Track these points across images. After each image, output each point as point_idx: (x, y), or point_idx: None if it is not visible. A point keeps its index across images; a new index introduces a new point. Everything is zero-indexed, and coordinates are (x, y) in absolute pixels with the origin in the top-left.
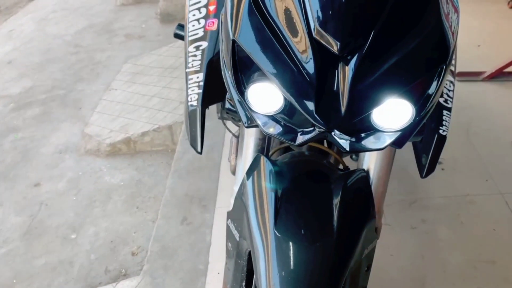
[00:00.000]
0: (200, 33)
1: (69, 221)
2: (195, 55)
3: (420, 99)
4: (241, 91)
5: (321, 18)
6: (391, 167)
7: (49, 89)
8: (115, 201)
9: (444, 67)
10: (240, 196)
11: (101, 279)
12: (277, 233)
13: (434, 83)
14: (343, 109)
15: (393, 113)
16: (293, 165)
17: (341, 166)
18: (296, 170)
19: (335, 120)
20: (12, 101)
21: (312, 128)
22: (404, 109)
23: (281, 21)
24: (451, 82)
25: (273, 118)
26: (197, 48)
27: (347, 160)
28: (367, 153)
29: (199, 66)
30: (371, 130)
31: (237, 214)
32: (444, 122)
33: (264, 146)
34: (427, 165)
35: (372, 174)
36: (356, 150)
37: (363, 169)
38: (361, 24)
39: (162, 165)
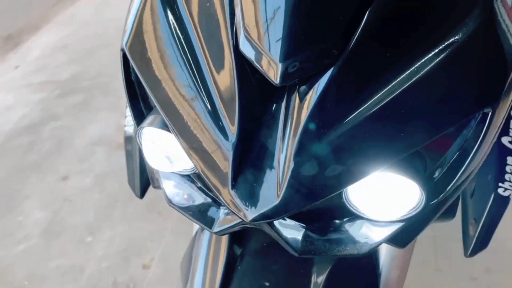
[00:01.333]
0: None
1: (88, 222)
2: None
3: (435, 175)
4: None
5: (253, 21)
6: (413, 242)
7: (94, 76)
8: (137, 203)
9: (490, 113)
10: (190, 258)
11: None
12: None
13: (468, 144)
14: (279, 189)
15: (385, 194)
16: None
17: None
18: (268, 237)
19: (264, 206)
20: (58, 87)
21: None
22: (404, 192)
23: (195, 26)
24: None
25: (188, 178)
26: None
27: None
28: None
29: None
30: (349, 216)
31: (186, 267)
32: (508, 176)
33: None
34: (475, 238)
35: (382, 251)
36: (315, 253)
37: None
38: (327, 29)
39: None
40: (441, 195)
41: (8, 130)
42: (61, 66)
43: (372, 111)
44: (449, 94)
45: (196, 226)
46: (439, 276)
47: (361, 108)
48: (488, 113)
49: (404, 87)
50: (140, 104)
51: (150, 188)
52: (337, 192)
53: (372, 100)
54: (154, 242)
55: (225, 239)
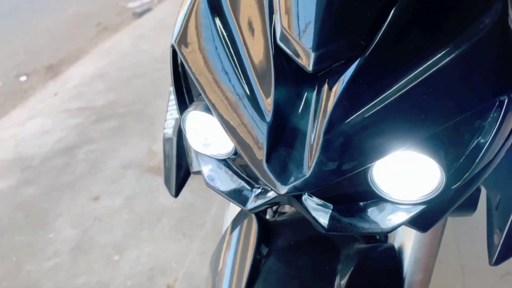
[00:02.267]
0: None
1: (116, 241)
2: None
3: (456, 158)
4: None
5: (290, 15)
6: (438, 244)
7: (129, 103)
8: (163, 224)
9: (506, 100)
10: (219, 257)
11: None
12: None
13: (488, 129)
14: (309, 163)
15: (408, 175)
16: (292, 227)
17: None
18: (294, 235)
19: (296, 180)
20: (94, 113)
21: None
22: (425, 172)
23: (237, 21)
24: None
25: (224, 163)
26: None
27: None
28: None
29: None
30: (373, 198)
31: (215, 265)
32: None
33: None
34: (499, 247)
35: (407, 252)
36: (341, 230)
37: (392, 246)
38: (356, 22)
39: None
40: (462, 180)
41: (45, 152)
42: (97, 94)
43: (396, 96)
44: (467, 82)
45: (225, 225)
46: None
47: (385, 94)
48: (504, 101)
49: (425, 75)
50: (184, 96)
51: (177, 210)
52: (362, 168)
53: (395, 87)
54: (179, 263)
55: (253, 238)
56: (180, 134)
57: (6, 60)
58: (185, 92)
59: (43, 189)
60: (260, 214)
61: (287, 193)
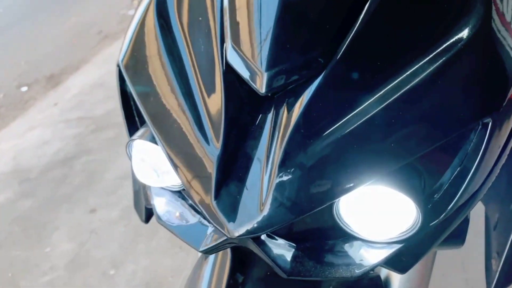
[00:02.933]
0: None
1: (112, 255)
2: None
3: (435, 192)
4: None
5: (239, 32)
6: (429, 273)
7: None
8: (160, 237)
9: (490, 123)
10: (194, 280)
11: None
12: None
13: (468, 158)
14: (264, 201)
15: (378, 212)
16: None
17: None
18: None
19: (248, 220)
20: (93, 122)
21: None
22: (399, 208)
23: (186, 40)
24: None
25: (179, 195)
26: None
27: None
28: None
29: None
30: (342, 236)
31: None
32: None
33: None
34: (497, 274)
35: (394, 284)
36: (305, 275)
37: (378, 275)
38: (314, 36)
39: None
40: (441, 216)
41: (44, 164)
42: (97, 103)
43: (362, 120)
44: (443, 103)
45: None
46: None
47: (350, 118)
48: (488, 124)
49: (395, 96)
50: (135, 118)
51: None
52: (324, 206)
53: (361, 109)
54: (175, 277)
55: (227, 266)
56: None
57: (8, 71)
58: (135, 114)
59: (41, 201)
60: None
61: (239, 236)
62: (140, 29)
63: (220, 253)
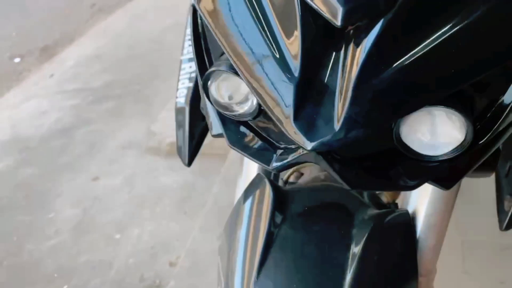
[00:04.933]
0: None
1: (117, 220)
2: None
3: (482, 115)
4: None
5: None
6: (450, 211)
7: (126, 84)
8: (165, 204)
9: None
10: (231, 226)
11: (135, 287)
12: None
13: (510, 87)
14: (339, 118)
15: (434, 131)
16: (305, 193)
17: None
18: (308, 200)
19: (325, 136)
20: (91, 94)
21: (295, 147)
22: (454, 127)
23: None
24: None
25: (246, 125)
26: None
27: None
28: None
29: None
30: (398, 157)
31: (225, 251)
32: None
33: None
34: (510, 214)
35: (420, 218)
36: (366, 187)
37: (406, 211)
38: None
39: (218, 170)
40: (488, 135)
41: (42, 133)
42: (94, 75)
43: (423, 52)
44: (490, 39)
45: (238, 194)
46: (466, 279)
47: (412, 50)
48: None
49: (451, 32)
50: (204, 58)
51: (179, 190)
52: (391, 122)
53: (422, 43)
54: (181, 241)
55: (266, 205)
56: (192, 102)
57: None
58: (205, 54)
59: (42, 169)
60: (273, 181)
61: (314, 149)
62: None
63: (258, 194)
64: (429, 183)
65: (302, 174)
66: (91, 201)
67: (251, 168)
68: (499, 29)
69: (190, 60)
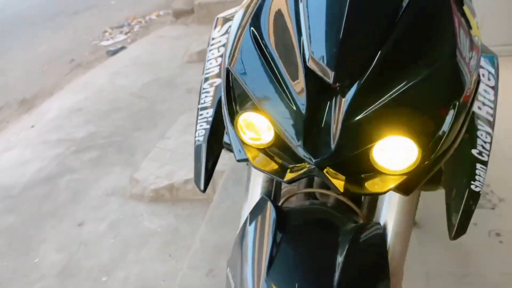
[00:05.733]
0: (216, 70)
1: (103, 264)
2: (208, 92)
3: (428, 141)
4: (233, 121)
5: (315, 46)
6: (412, 222)
7: (108, 135)
8: (150, 247)
9: (457, 104)
10: (240, 241)
11: None
12: (268, 284)
13: (446, 123)
14: (333, 143)
15: (395, 153)
16: (300, 213)
17: (361, 221)
18: (302, 218)
19: (324, 155)
20: (74, 144)
21: (302, 165)
22: (408, 150)
23: (276, 50)
24: (488, 133)
25: (264, 152)
26: (211, 84)
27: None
28: (384, 205)
29: (210, 102)
30: (372, 171)
31: (235, 262)
32: (477, 177)
33: (272, 189)
34: (456, 225)
35: (389, 229)
36: (351, 192)
37: (378, 223)
38: (361, 52)
39: (201, 214)
40: (432, 155)
41: (25, 182)
42: (76, 126)
43: (387, 101)
44: (433, 91)
45: (243, 217)
46: None
47: (379, 100)
48: (456, 104)
49: (404, 88)
50: (232, 103)
51: (163, 234)
52: (367, 146)
53: (386, 95)
54: (167, 281)
55: (268, 223)
56: (209, 141)
57: None
58: (233, 101)
59: (25, 217)
60: (275, 204)
61: (318, 163)
62: (238, 40)
63: (262, 214)
64: (394, 191)
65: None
66: (77, 246)
67: (255, 193)
68: (436, 85)
69: (206, 108)
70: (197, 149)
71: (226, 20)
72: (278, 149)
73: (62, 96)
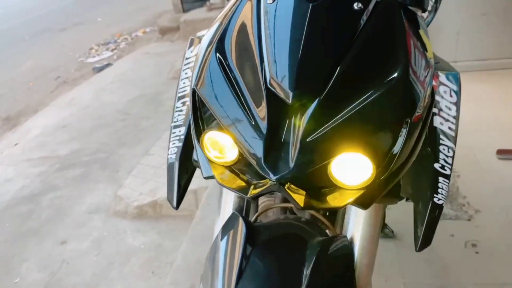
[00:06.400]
0: (188, 89)
1: (85, 281)
2: (180, 110)
3: (383, 157)
4: (199, 139)
5: (275, 67)
6: (378, 235)
7: (93, 152)
8: (133, 264)
9: (409, 121)
10: (212, 256)
11: None
12: None
13: (399, 139)
14: (292, 160)
15: (352, 169)
16: (270, 228)
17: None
18: (272, 233)
19: (283, 172)
20: (58, 161)
21: (265, 181)
22: (363, 166)
23: (240, 72)
24: (450, 147)
25: (230, 169)
26: (183, 103)
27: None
28: (351, 219)
29: (183, 120)
30: (332, 186)
31: (207, 277)
32: (440, 190)
33: (243, 204)
34: (421, 237)
35: (356, 242)
36: (312, 207)
37: (345, 236)
38: (317, 72)
39: (184, 231)
40: (386, 172)
41: (8, 200)
42: (60, 144)
43: (342, 119)
44: (385, 110)
45: (216, 232)
46: None
47: (335, 118)
48: (408, 121)
49: (359, 107)
50: (199, 123)
51: (146, 250)
52: (324, 162)
53: (342, 113)
54: None
55: (239, 238)
56: (181, 159)
57: None
58: (200, 120)
59: (7, 236)
60: (245, 218)
61: (278, 179)
62: (204, 62)
63: (233, 229)
64: (352, 204)
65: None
66: (59, 264)
67: (227, 209)
68: (389, 103)
69: (178, 126)
70: (170, 166)
71: (201, 40)
72: (243, 166)
73: (47, 113)
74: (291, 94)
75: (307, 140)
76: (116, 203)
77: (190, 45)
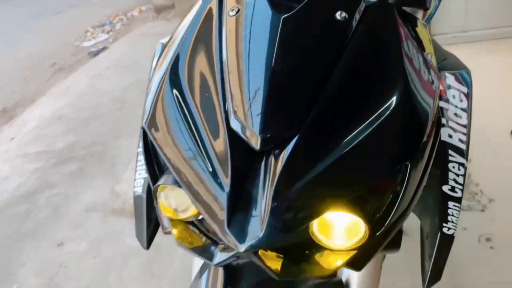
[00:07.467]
0: None
1: (83, 286)
2: None
3: (376, 212)
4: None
5: (239, 105)
6: (378, 278)
7: (89, 145)
8: (131, 266)
9: (409, 165)
10: (196, 282)
11: None
12: None
13: (398, 189)
14: (262, 225)
15: (340, 227)
16: (253, 270)
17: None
18: (257, 276)
19: (253, 240)
20: (54, 156)
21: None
22: (354, 225)
23: (197, 108)
24: (461, 164)
25: (192, 224)
26: None
27: None
28: None
29: None
30: (316, 248)
31: None
32: (450, 217)
33: None
34: (429, 272)
35: (353, 287)
36: (291, 276)
37: (340, 280)
38: (292, 109)
39: None
40: (383, 228)
41: (5, 200)
42: (56, 136)
43: (325, 167)
44: (379, 152)
45: (195, 270)
46: None
47: (317, 165)
48: (408, 165)
49: (346, 149)
50: (155, 168)
51: (144, 255)
52: (304, 226)
53: (324, 159)
54: None
55: (220, 281)
56: (149, 192)
57: None
58: (155, 165)
59: (4, 238)
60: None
61: (245, 251)
62: (157, 96)
63: (212, 271)
64: (344, 267)
65: None
66: (57, 268)
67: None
68: (382, 147)
69: None
70: (136, 201)
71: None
72: (204, 224)
73: (43, 103)
74: (259, 138)
75: (281, 197)
76: (114, 201)
77: (156, 53)
